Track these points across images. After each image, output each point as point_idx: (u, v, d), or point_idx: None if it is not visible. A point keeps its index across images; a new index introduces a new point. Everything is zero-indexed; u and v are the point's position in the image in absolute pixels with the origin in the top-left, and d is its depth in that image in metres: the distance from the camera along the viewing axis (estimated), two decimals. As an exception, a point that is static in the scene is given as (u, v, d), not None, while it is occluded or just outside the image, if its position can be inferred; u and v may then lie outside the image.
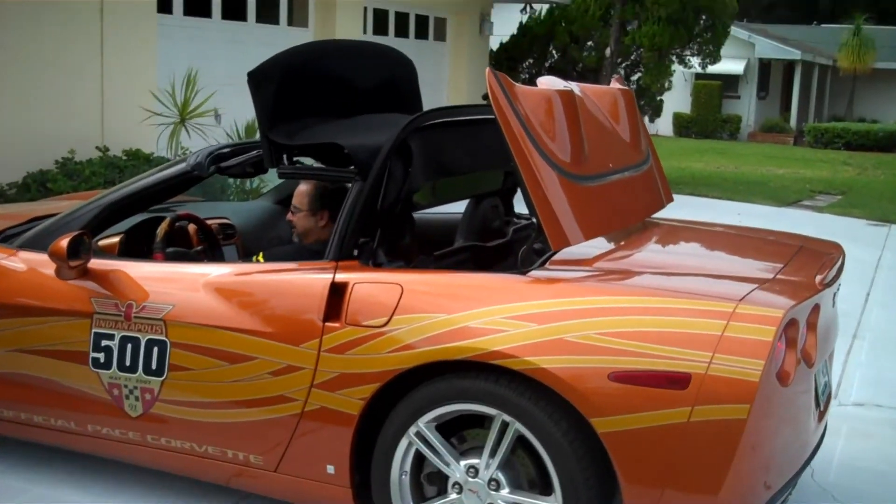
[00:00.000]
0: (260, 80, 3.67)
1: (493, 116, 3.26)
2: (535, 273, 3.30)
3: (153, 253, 4.05)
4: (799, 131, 31.81)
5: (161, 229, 4.09)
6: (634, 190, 4.00)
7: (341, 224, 3.51)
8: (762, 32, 33.73)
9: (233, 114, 8.86)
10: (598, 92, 4.09)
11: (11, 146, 8.08)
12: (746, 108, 32.88)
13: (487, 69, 3.30)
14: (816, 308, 3.32)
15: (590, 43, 17.14)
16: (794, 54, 32.50)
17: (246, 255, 4.65)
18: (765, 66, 33.57)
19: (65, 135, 8.43)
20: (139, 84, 8.94)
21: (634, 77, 16.76)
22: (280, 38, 10.42)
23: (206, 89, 8.54)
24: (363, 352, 3.29)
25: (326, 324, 3.36)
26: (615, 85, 4.38)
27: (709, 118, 31.88)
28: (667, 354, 2.95)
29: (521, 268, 3.35)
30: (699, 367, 2.92)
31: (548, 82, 3.80)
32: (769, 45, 32.56)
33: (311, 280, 3.46)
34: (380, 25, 14.32)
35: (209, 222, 4.59)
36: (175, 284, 3.68)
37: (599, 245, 3.68)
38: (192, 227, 4.46)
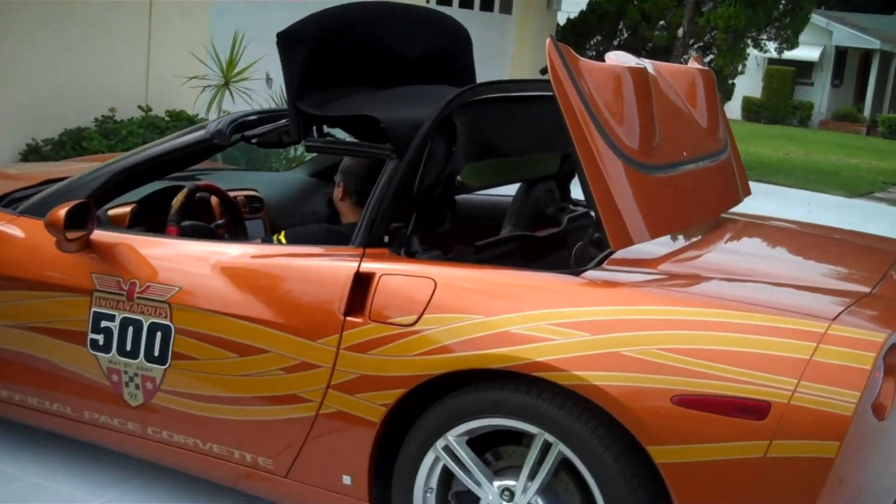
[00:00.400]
0: (291, 42, 3.25)
1: (551, 93, 2.82)
2: (590, 274, 2.85)
3: (167, 226, 3.65)
4: (872, 121, 30.81)
5: (177, 200, 3.69)
6: (710, 182, 3.53)
7: (372, 206, 3.09)
8: (840, 20, 32.70)
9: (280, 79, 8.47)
10: (674, 71, 3.61)
11: (52, 101, 7.74)
12: (819, 95, 31.94)
13: (549, 39, 2.84)
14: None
15: (662, 22, 16.50)
16: (873, 44, 31.53)
17: (274, 232, 4.26)
18: (841, 54, 32.57)
19: (108, 92, 8.07)
20: (189, 42, 8.55)
21: (707, 59, 16.10)
22: None
23: (259, 51, 8.13)
24: (388, 352, 2.87)
25: (348, 318, 2.95)
26: (693, 65, 3.90)
27: (780, 104, 30.99)
28: (742, 378, 2.50)
29: (574, 267, 2.91)
30: (781, 395, 2.46)
31: (618, 58, 3.34)
32: (847, 34, 31.60)
33: (334, 268, 3.05)
34: (444, -6, 13.84)
35: (234, 194, 4.19)
36: (184, 263, 3.28)
37: (666, 244, 3.22)
38: (214, 199, 4.05)
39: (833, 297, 2.82)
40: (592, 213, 2.84)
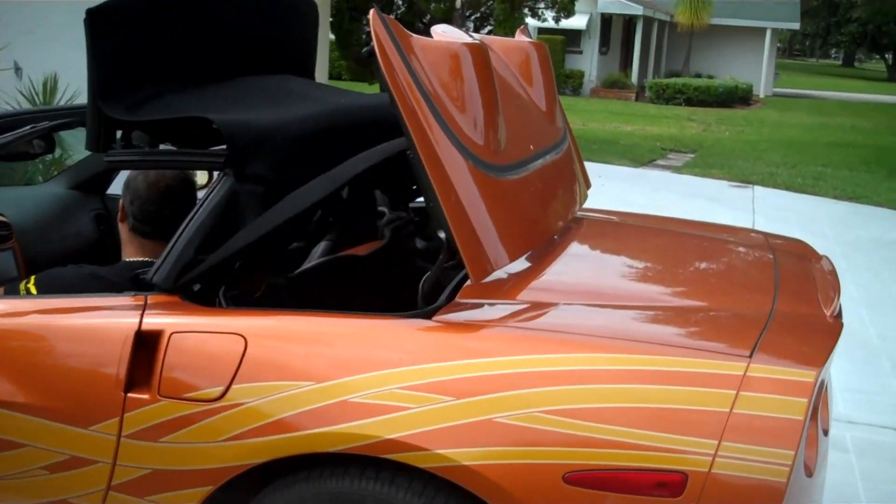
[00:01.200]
0: (105, 23, 2.47)
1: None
2: (444, 315, 2.23)
3: None
4: (640, 87, 31.62)
5: None
6: (557, 179, 2.98)
7: (186, 237, 2.37)
8: (604, -13, 33.38)
9: (31, 68, 7.40)
10: (505, 46, 3.04)
11: None
12: (589, 63, 32.45)
13: (372, 10, 2.19)
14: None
15: (437, -7, 16.09)
16: (636, 9, 32.24)
17: (27, 268, 3.42)
18: (606, 21, 33.22)
19: None
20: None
21: (485, 31, 15.80)
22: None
23: (2, 38, 7.06)
24: (187, 438, 2.17)
25: (130, 395, 2.23)
26: (521, 38, 3.34)
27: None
28: (650, 444, 1.96)
29: (422, 305, 2.29)
30: (699, 463, 1.94)
31: (446, 33, 2.73)
32: (611, 1, 32.21)
33: (106, 326, 2.31)
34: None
35: None
36: None
37: (518, 261, 2.65)
38: None
39: (736, 323, 2.32)
40: (441, 234, 2.23)
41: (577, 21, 30.64)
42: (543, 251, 2.68)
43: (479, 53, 2.49)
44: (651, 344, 2.13)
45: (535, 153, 2.78)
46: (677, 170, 14.11)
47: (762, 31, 34.51)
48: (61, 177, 4.03)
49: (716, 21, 33.34)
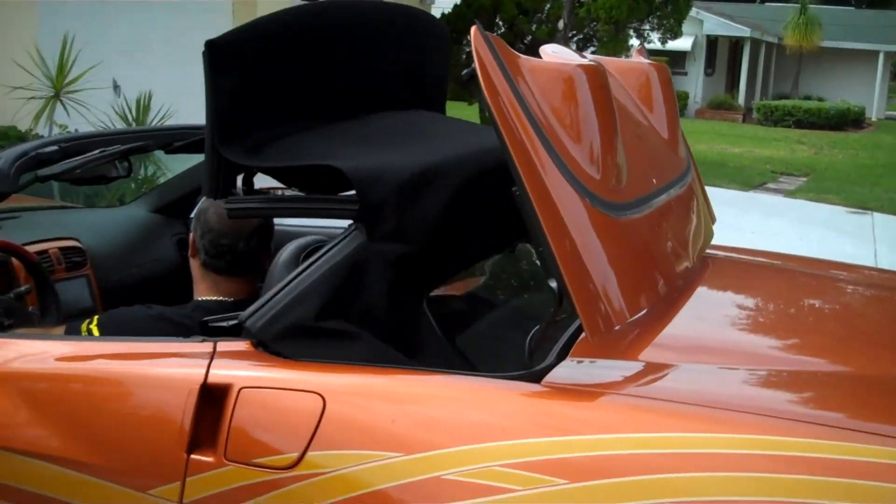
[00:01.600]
0: (224, 56, 2.13)
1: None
2: (556, 377, 1.90)
3: None
4: (747, 108, 30.86)
5: None
6: (681, 216, 2.64)
7: (296, 288, 2.05)
8: (708, 9, 32.68)
9: (127, 86, 7.33)
10: (622, 69, 2.72)
11: None
12: (694, 84, 31.82)
13: (474, 27, 1.89)
14: None
15: (539, 15, 15.75)
16: (743, 31, 31.61)
17: (101, 296, 3.21)
18: (712, 42, 32.56)
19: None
20: (14, 47, 7.34)
21: (589, 51, 15.42)
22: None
23: (95, 56, 6.98)
24: (257, 510, 1.90)
25: (193, 456, 1.96)
26: (639, 59, 3.02)
27: (656, 95, 30.71)
28: None
29: (530, 364, 1.97)
30: None
31: (557, 53, 2.42)
32: (717, 22, 31.58)
33: (167, 376, 2.05)
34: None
35: (44, 248, 3.12)
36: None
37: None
38: (15, 261, 2.97)
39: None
40: (553, 283, 1.90)
41: (682, 43, 30.08)
42: (668, 298, 2.33)
43: (596, 76, 2.18)
44: (811, 424, 1.76)
45: (658, 188, 2.45)
46: (790, 194, 13.58)
47: (874, 53, 33.43)
48: (145, 199, 3.82)
49: (827, 44, 32.42)
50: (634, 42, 15.44)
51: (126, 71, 7.46)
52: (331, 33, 2.39)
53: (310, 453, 1.87)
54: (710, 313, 2.43)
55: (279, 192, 2.55)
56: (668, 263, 2.39)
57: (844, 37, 33.58)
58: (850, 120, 28.32)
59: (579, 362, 1.95)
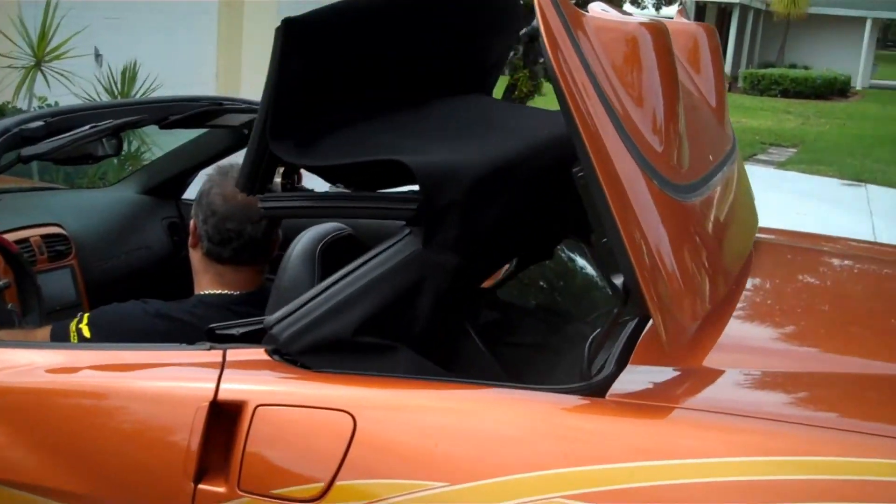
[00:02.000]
0: (299, 39, 1.81)
1: None
2: (619, 389, 1.63)
3: None
4: (733, 77, 30.60)
5: None
6: (736, 197, 2.37)
7: (336, 298, 1.75)
8: (696, -25, 32.47)
9: (111, 55, 6.98)
10: (672, 30, 2.43)
11: None
12: (680, 53, 31.64)
13: None
14: None
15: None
16: (732, -3, 31.41)
17: (86, 288, 2.92)
18: (700, 9, 32.27)
19: None
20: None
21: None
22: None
23: (79, 22, 6.64)
24: (275, 549, 1.63)
25: (201, 486, 1.69)
26: (681, 20, 2.74)
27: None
28: None
29: (588, 372, 1.70)
30: None
31: (607, 11, 2.14)
32: (706, -11, 31.38)
33: (169, 392, 1.77)
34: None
35: (24, 235, 2.82)
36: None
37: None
38: None
39: None
40: (617, 280, 1.63)
41: (668, 10, 29.85)
42: (729, 291, 2.07)
43: (661, 37, 1.90)
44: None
45: (715, 165, 2.18)
46: (781, 165, 13.35)
47: (862, 20, 33.18)
48: (132, 179, 3.51)
49: (813, 10, 32.15)
50: (628, 7, 15.15)
51: (110, 38, 7.12)
52: (404, 12, 2.07)
53: (338, 482, 1.60)
54: (774, 308, 2.17)
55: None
56: (731, 250, 2.13)
57: (833, 3, 33.33)
58: (836, 89, 28.12)
59: (641, 370, 1.68)
